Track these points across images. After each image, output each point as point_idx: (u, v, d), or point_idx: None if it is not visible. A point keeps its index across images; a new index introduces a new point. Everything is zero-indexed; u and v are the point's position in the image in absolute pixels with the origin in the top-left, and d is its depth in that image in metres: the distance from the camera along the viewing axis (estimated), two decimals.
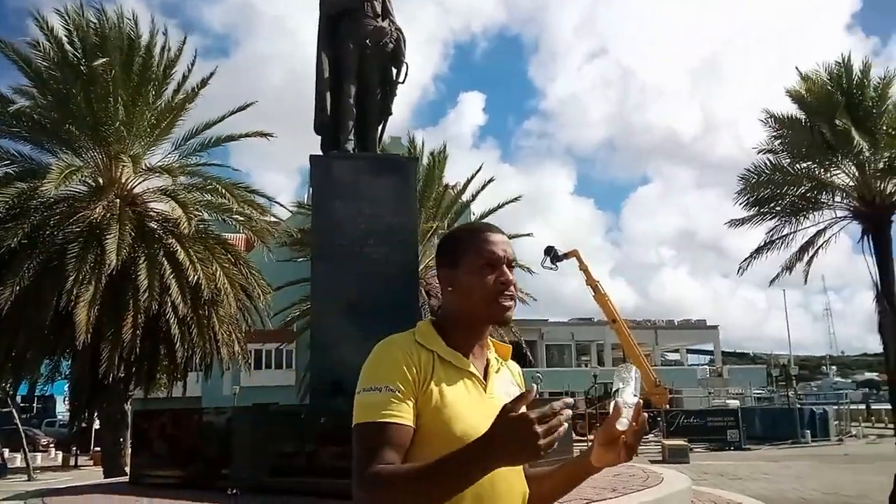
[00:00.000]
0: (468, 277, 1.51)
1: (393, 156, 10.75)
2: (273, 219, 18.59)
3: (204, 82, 16.44)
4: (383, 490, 1.29)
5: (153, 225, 15.66)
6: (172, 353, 15.52)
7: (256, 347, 34.60)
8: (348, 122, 8.19)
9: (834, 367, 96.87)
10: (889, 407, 17.34)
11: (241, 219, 16.52)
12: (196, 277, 14.40)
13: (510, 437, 1.20)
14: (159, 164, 16.00)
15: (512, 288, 1.52)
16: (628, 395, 1.43)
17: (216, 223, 17.04)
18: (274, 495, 6.18)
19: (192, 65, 16.41)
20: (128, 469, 10.32)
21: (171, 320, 14.45)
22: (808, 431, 31.14)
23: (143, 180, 16.13)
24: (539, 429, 1.19)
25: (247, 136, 16.72)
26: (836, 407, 38.80)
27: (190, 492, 6.82)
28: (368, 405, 1.38)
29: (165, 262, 14.58)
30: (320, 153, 8.36)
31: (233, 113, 16.57)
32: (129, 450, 12.62)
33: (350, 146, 8.19)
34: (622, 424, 1.40)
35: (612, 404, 1.45)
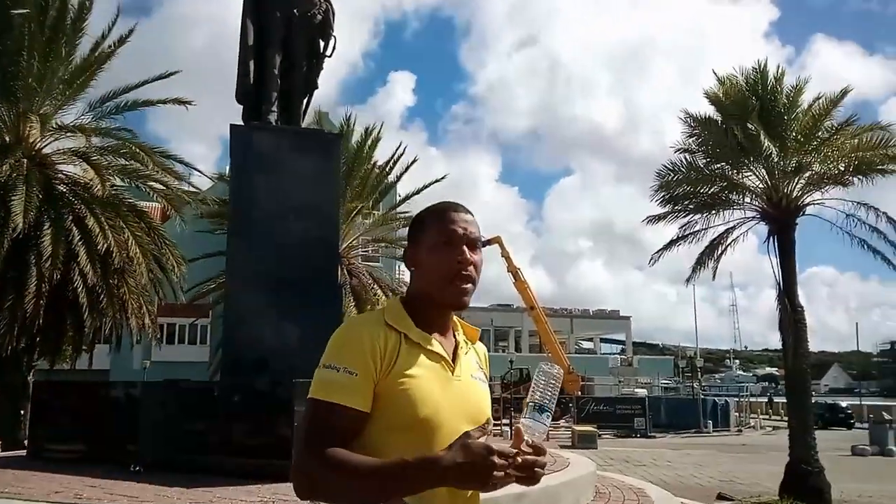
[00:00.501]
0: (427, 256, 1.48)
1: (317, 130, 10.58)
2: (192, 188, 18.03)
3: (123, 40, 15.71)
4: (329, 470, 1.28)
5: (62, 188, 14.93)
6: (79, 324, 14.90)
7: (169, 321, 33.61)
8: (272, 93, 7.98)
9: (737, 361, 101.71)
10: (786, 400, 18.23)
11: (158, 187, 15.94)
12: (106, 245, 13.83)
13: (466, 463, 1.21)
14: (72, 123, 15.25)
15: (471, 269, 1.46)
16: (536, 414, 1.35)
17: (131, 190, 16.36)
18: (182, 473, 6.02)
19: (114, 23, 15.66)
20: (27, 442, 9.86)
21: (79, 289, 13.84)
22: (710, 421, 32.61)
23: (54, 140, 15.34)
24: (497, 461, 1.21)
25: (165, 102, 16.10)
26: (737, 399, 40.75)
27: (92, 467, 6.58)
28: (324, 382, 1.37)
29: (74, 228, 13.93)
30: (241, 123, 8.13)
31: (154, 80, 15.88)
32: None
33: (273, 118, 7.99)
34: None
35: (520, 420, 1.36)
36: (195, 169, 17.58)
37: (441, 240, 1.47)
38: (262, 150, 7.80)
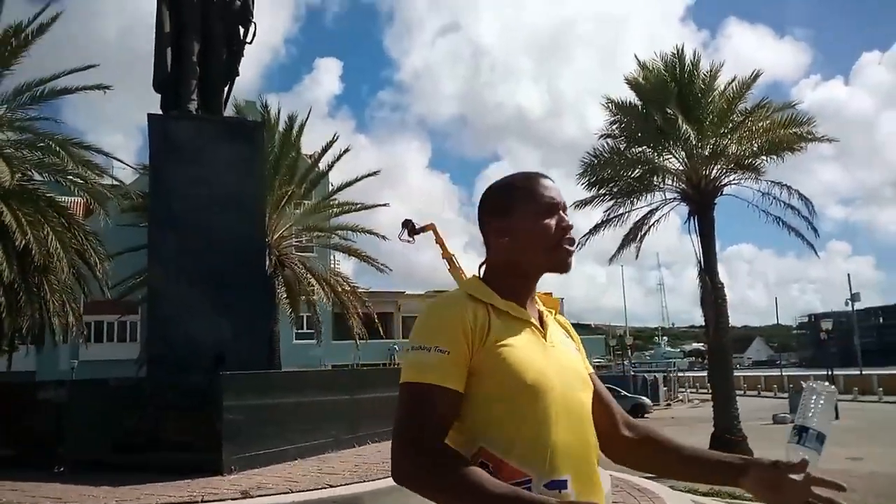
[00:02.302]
0: (526, 224, 1.46)
1: (238, 119, 10.39)
2: (114, 181, 17.47)
3: (43, 28, 15.03)
4: (439, 476, 1.25)
5: None
6: None
7: (97, 319, 32.55)
8: (191, 82, 7.80)
9: (665, 338, 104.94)
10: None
11: (78, 181, 15.40)
12: (24, 241, 13.31)
13: None
14: None
15: (572, 232, 1.49)
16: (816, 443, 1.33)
17: (50, 185, 15.75)
18: (112, 472, 5.89)
19: (36, 16, 14.94)
20: None
21: None
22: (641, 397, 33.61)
23: None
24: None
25: (83, 89, 15.50)
26: (665, 374, 42.14)
27: (15, 471, 6.37)
28: (416, 364, 1.33)
29: None
30: (160, 112, 7.93)
31: (71, 72, 15.26)
32: None
33: (193, 107, 7.82)
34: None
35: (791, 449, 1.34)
36: (116, 159, 17.07)
37: (542, 207, 1.46)
38: (181, 139, 7.63)
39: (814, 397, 1.37)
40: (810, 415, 1.35)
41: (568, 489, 1.31)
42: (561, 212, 1.47)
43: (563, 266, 1.48)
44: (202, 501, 4.86)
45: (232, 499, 4.87)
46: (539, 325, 1.45)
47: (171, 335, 7.43)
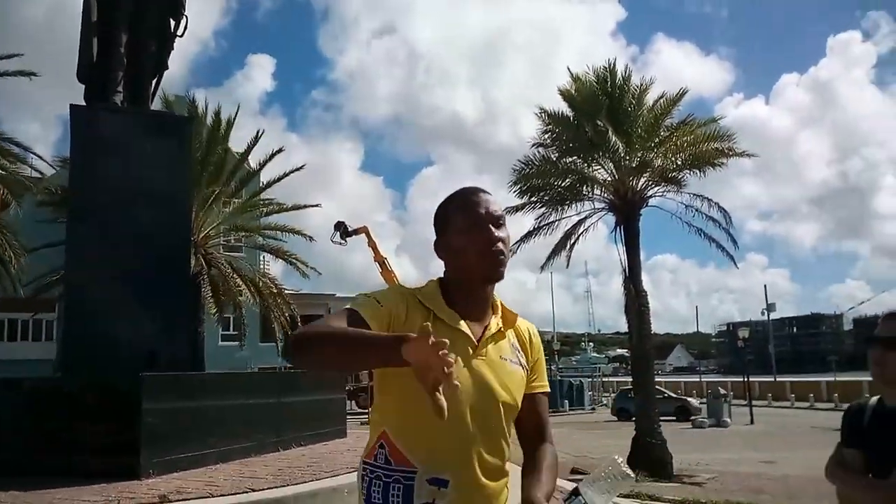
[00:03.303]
0: (459, 239, 1.56)
1: (166, 113, 10.11)
2: (33, 173, 16.76)
3: None
4: (314, 330, 1.40)
5: None
6: None
7: (10, 317, 31.09)
8: (118, 73, 7.53)
9: (591, 344, 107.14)
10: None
11: None
12: None
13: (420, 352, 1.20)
14: None
15: (500, 244, 1.54)
16: None
17: None
18: (27, 476, 5.61)
19: None
20: None
21: None
22: (567, 401, 34.25)
23: None
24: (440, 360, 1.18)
25: (6, 75, 14.83)
26: (591, 379, 43.02)
27: None
28: (354, 300, 1.50)
29: None
30: (83, 103, 7.64)
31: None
32: None
33: (119, 99, 7.56)
34: None
35: None
36: (33, 153, 16.38)
37: (468, 223, 1.55)
38: (106, 132, 7.36)
39: (609, 473, 1.44)
40: (591, 485, 1.44)
41: (447, 489, 1.44)
42: (490, 224, 1.55)
43: (491, 277, 1.56)
44: None
45: (149, 503, 4.73)
46: (474, 337, 1.54)
47: (90, 334, 7.15)
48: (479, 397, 1.48)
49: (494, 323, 1.59)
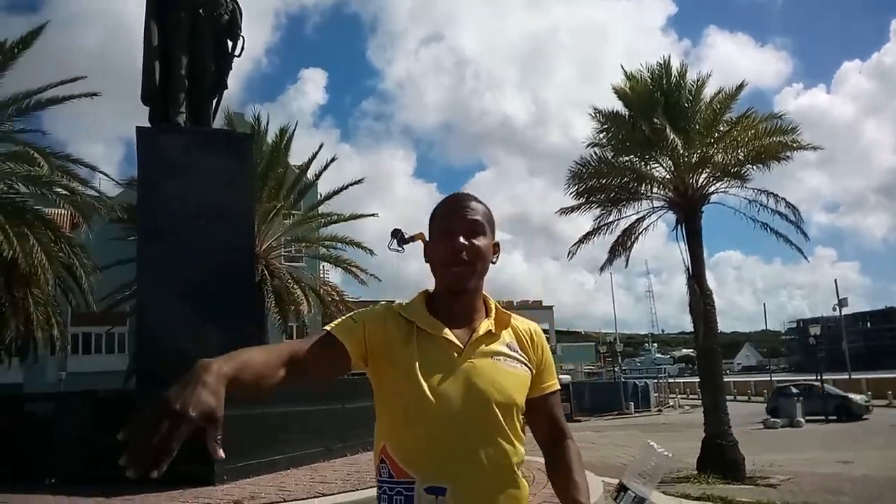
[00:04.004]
0: (431, 247, 1.59)
1: (227, 131, 10.41)
2: (100, 194, 17.40)
3: (26, 42, 14.99)
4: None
5: None
6: None
7: (85, 331, 32.30)
8: (179, 94, 7.82)
9: (655, 345, 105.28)
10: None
11: (65, 193, 15.33)
12: (10, 253, 13.23)
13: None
14: None
15: (463, 254, 1.53)
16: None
17: (37, 197, 15.67)
18: (103, 483, 5.85)
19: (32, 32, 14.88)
20: None
21: None
22: (632, 403, 33.71)
23: None
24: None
25: (70, 98, 15.45)
26: (655, 380, 42.24)
27: (4, 484, 6.34)
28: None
29: None
30: (148, 124, 7.94)
31: (61, 83, 15.20)
32: None
33: (181, 119, 7.83)
34: None
35: None
36: (101, 172, 17.00)
37: (439, 230, 1.57)
38: (170, 152, 7.64)
39: (647, 459, 1.43)
40: (635, 476, 1.42)
41: (446, 497, 1.43)
42: (459, 233, 1.53)
43: (450, 286, 1.56)
44: None
45: None
46: (460, 342, 1.53)
47: (161, 346, 7.41)
48: (470, 401, 1.47)
49: (484, 325, 1.58)
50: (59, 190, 15.17)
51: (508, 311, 1.65)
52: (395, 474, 1.48)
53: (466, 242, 1.53)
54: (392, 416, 1.52)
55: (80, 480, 6.19)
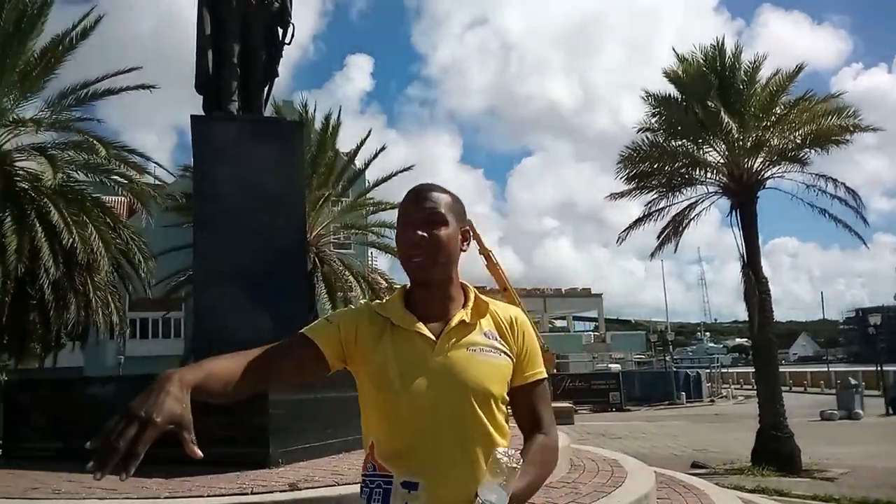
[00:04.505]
0: (397, 238, 1.59)
1: (278, 119, 10.52)
2: (156, 181, 17.82)
3: (85, 33, 15.37)
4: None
5: (24, 185, 14.69)
6: (46, 321, 14.73)
7: (142, 316, 33.26)
8: (232, 83, 7.91)
9: (708, 334, 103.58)
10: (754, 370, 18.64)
11: (122, 181, 15.75)
12: (70, 240, 13.66)
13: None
14: (30, 118, 14.97)
15: (423, 245, 1.50)
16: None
17: (95, 185, 16.14)
18: (162, 465, 6.02)
19: (82, 20, 15.28)
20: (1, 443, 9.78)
21: (45, 285, 13.67)
22: (684, 393, 33.22)
23: (13, 136, 15.07)
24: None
25: (127, 89, 15.82)
26: (708, 370, 41.53)
27: (68, 463, 6.55)
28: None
29: (37, 224, 13.73)
30: (201, 113, 8.07)
31: (114, 74, 15.58)
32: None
33: (234, 107, 7.94)
34: None
35: None
36: (156, 163, 17.37)
37: (400, 221, 1.56)
38: (223, 140, 7.75)
39: (497, 468, 1.39)
40: (487, 486, 1.39)
41: (419, 492, 1.43)
42: (416, 225, 1.51)
43: (413, 277, 1.55)
44: (252, 493, 4.95)
45: (280, 491, 4.95)
46: (433, 335, 1.51)
47: (216, 331, 7.56)
48: (444, 394, 1.46)
49: (459, 316, 1.54)
50: (117, 178, 15.59)
51: (488, 299, 1.61)
52: (377, 468, 1.50)
53: (424, 234, 1.50)
54: (370, 413, 1.54)
55: (142, 461, 6.35)
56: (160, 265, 18.52)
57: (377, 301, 1.62)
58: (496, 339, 1.55)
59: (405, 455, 1.46)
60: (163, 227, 18.82)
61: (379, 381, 1.50)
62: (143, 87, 15.76)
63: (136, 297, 20.49)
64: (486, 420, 1.47)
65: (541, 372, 1.61)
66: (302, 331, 1.54)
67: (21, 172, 14.91)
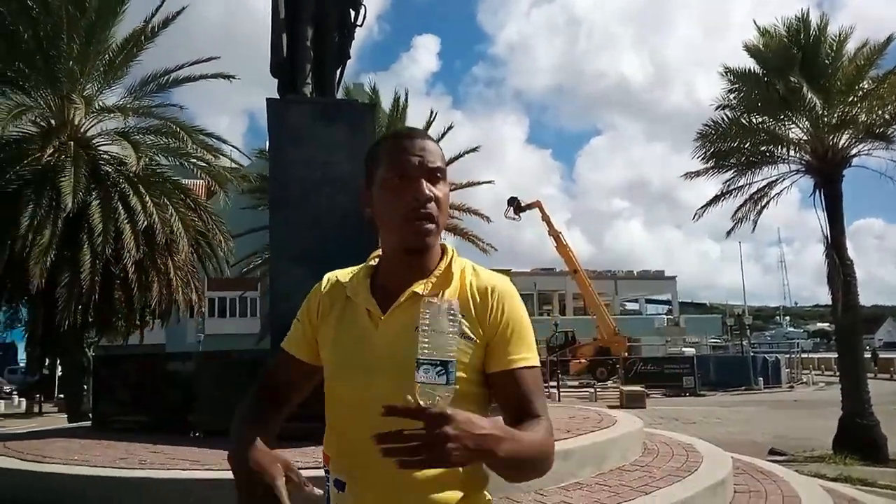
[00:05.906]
0: (380, 194, 1.29)
1: (351, 101, 10.59)
2: (233, 164, 18.33)
3: (167, 22, 15.91)
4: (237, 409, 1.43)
5: (108, 169, 15.34)
6: (130, 300, 15.41)
7: (220, 295, 34.40)
8: (305, 66, 8.03)
9: (787, 318, 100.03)
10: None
11: (201, 164, 16.26)
12: (150, 222, 14.20)
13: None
14: (113, 104, 15.61)
15: (432, 205, 1.26)
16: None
17: (175, 168, 16.73)
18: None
19: (159, 7, 15.81)
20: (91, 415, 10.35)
21: (129, 265, 14.29)
22: (761, 378, 32.22)
23: (98, 122, 15.74)
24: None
25: (206, 77, 16.29)
26: (787, 355, 40.16)
27: (153, 435, 6.87)
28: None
29: (120, 206, 14.34)
30: (276, 96, 8.21)
31: (195, 63, 16.06)
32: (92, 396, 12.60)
33: (308, 90, 8.06)
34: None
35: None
36: (232, 146, 17.88)
37: (394, 174, 1.26)
38: (297, 122, 7.86)
39: (430, 319, 1.10)
40: (426, 342, 1.09)
41: (345, 492, 1.27)
42: (422, 180, 1.25)
43: (412, 245, 1.27)
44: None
45: None
46: (381, 312, 1.28)
47: (290, 311, 7.70)
48: (378, 382, 1.22)
49: (415, 289, 1.26)
50: (196, 161, 16.10)
51: (471, 265, 1.35)
52: (325, 461, 1.36)
53: (430, 193, 1.25)
54: (326, 410, 1.36)
55: (220, 434, 6.58)
56: (237, 246, 19.12)
57: (349, 269, 1.41)
58: (460, 324, 1.20)
59: (336, 451, 1.32)
60: (239, 209, 19.38)
61: (324, 363, 1.36)
62: (221, 76, 16.20)
63: (214, 278, 21.20)
64: None
65: (528, 358, 1.27)
66: (281, 344, 1.45)
67: (105, 157, 15.58)
